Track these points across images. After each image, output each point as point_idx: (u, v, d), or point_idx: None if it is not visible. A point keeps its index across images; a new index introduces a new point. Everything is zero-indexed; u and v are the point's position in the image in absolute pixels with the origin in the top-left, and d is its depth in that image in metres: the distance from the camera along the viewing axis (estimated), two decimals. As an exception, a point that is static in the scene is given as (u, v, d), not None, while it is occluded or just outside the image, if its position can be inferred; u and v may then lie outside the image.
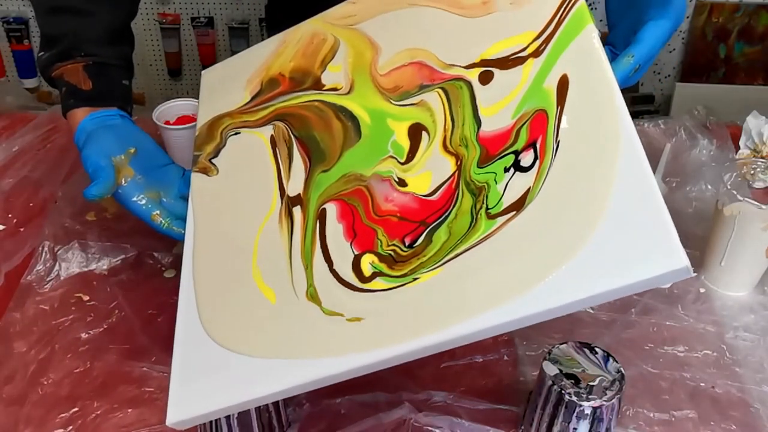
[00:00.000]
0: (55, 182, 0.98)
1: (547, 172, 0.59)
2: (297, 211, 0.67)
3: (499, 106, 0.64)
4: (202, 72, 0.89)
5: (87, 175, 0.75)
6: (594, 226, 0.53)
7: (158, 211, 0.74)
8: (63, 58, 0.79)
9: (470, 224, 0.60)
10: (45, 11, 0.80)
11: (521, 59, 0.65)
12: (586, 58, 0.62)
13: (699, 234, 0.87)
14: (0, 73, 2.23)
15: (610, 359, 0.63)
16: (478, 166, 0.62)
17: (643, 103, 2.07)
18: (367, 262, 0.61)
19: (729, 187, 0.78)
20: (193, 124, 0.92)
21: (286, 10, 1.11)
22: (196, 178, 0.75)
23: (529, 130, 0.61)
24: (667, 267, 0.48)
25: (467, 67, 0.68)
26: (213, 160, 0.76)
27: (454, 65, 0.69)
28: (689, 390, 0.71)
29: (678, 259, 0.48)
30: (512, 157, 0.61)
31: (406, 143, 0.67)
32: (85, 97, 0.78)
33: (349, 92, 0.74)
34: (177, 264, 0.85)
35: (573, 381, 0.62)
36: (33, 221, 0.92)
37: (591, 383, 0.61)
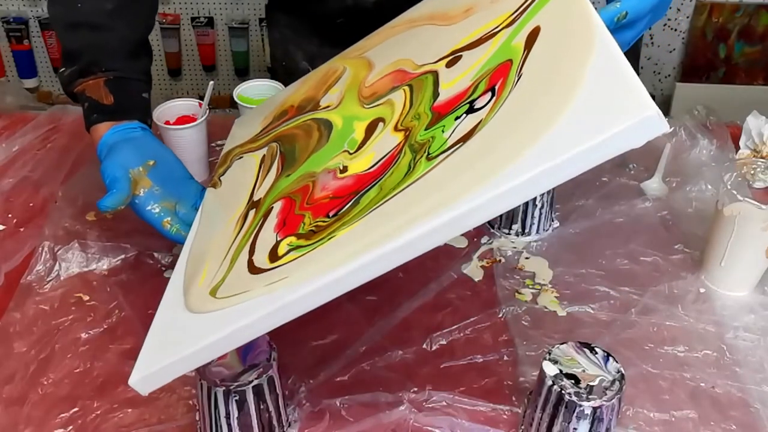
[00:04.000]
0: (55, 182, 0.98)
1: (505, 100, 0.57)
2: (251, 213, 0.70)
3: (460, 77, 0.65)
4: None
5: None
6: (565, 105, 0.52)
7: (169, 218, 0.75)
8: (84, 74, 0.80)
9: (405, 174, 0.59)
10: (64, 27, 0.81)
11: (492, 34, 0.66)
12: (566, 7, 0.61)
13: (699, 234, 0.87)
14: (0, 73, 2.23)
15: (610, 359, 0.63)
16: (425, 129, 0.62)
17: (643, 103, 2.07)
18: (285, 244, 0.62)
19: (729, 187, 0.78)
20: (193, 124, 0.93)
21: (286, 9, 1.12)
22: (209, 190, 0.79)
23: (488, 81, 0.61)
24: (637, 115, 0.48)
25: (436, 62, 0.69)
26: (221, 178, 0.81)
27: (425, 64, 0.71)
28: (689, 390, 0.71)
29: (646, 106, 0.48)
30: (467, 106, 0.60)
31: (361, 137, 0.69)
32: (106, 111, 0.79)
33: (336, 107, 0.76)
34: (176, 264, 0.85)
35: (573, 381, 0.62)
36: (33, 221, 0.92)
37: (591, 383, 0.61)
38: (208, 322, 0.59)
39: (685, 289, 0.82)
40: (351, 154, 0.67)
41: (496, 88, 0.59)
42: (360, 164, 0.65)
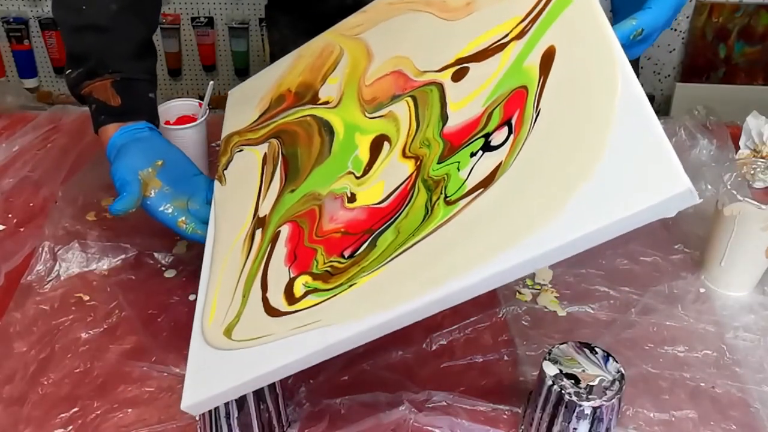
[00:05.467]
0: (55, 182, 0.98)
1: (524, 141, 0.55)
2: (258, 234, 0.69)
3: (470, 97, 0.62)
4: (229, 92, 0.93)
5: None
6: (593, 164, 0.50)
7: (184, 218, 0.75)
8: (91, 75, 0.80)
9: (424, 217, 0.57)
10: (70, 30, 0.81)
11: (502, 46, 0.62)
12: (580, 22, 0.58)
13: (699, 234, 0.87)
14: (0, 73, 2.23)
15: (610, 359, 0.63)
16: (438, 162, 0.60)
17: (643, 103, 2.07)
18: (300, 284, 0.61)
19: (729, 187, 0.78)
20: (193, 123, 0.93)
21: (286, 9, 1.12)
22: (216, 186, 0.79)
23: (503, 110, 0.58)
24: (670, 191, 0.46)
25: (440, 70, 0.67)
26: (225, 172, 0.80)
27: (427, 71, 0.68)
28: (689, 390, 0.71)
29: (680, 181, 0.46)
30: (481, 140, 0.58)
31: (365, 157, 0.67)
32: (114, 113, 0.79)
33: (336, 105, 0.75)
34: (177, 264, 0.85)
35: (573, 381, 0.62)
36: (33, 221, 0.92)
37: (591, 383, 0.61)
38: (237, 359, 0.59)
39: (685, 289, 0.82)
40: (357, 178, 0.66)
41: (513, 123, 0.57)
42: (369, 195, 0.63)
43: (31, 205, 0.95)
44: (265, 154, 0.78)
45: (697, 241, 0.86)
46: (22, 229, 0.91)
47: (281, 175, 0.73)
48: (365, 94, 0.73)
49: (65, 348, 0.75)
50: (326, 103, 0.77)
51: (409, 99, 0.68)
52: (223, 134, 0.86)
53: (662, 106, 2.23)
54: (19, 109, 1.16)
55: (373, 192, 0.63)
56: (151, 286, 0.82)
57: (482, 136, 0.58)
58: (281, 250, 0.65)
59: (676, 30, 2.15)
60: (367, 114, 0.71)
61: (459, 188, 0.56)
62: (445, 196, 0.57)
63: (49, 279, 0.83)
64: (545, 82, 0.57)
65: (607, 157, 0.50)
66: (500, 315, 0.79)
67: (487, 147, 0.57)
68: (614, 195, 0.48)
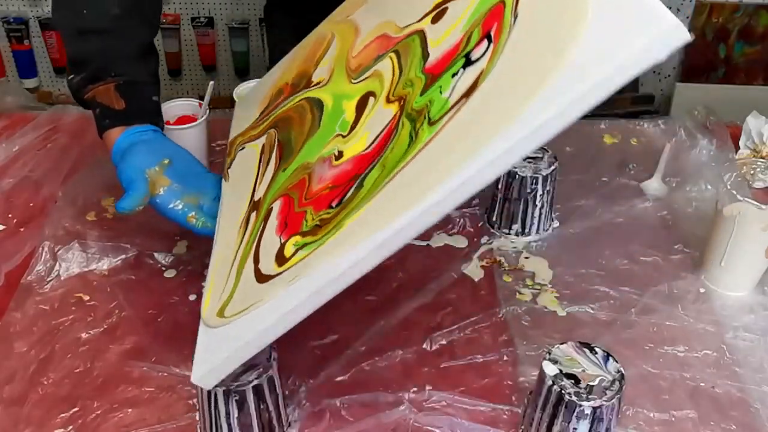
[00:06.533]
0: (56, 182, 0.98)
1: (505, 44, 0.54)
2: (253, 216, 0.69)
3: (450, 29, 0.62)
4: (235, 97, 0.94)
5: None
6: (575, 35, 0.49)
7: (194, 213, 0.75)
8: (94, 80, 0.80)
9: (408, 145, 0.56)
10: (72, 34, 0.81)
11: None
12: None
13: (699, 234, 0.87)
14: (0, 73, 2.23)
15: (610, 359, 0.63)
16: (421, 95, 0.59)
17: (643, 103, 2.08)
18: (291, 245, 0.61)
19: (729, 187, 0.78)
20: (194, 124, 0.93)
21: (284, 10, 1.12)
22: (223, 184, 0.79)
23: (481, 28, 0.57)
24: (660, 28, 0.46)
25: (420, 19, 0.66)
26: (229, 170, 0.81)
27: (408, 25, 0.68)
28: (689, 390, 0.71)
29: (667, 19, 0.46)
30: (462, 60, 0.57)
31: (352, 117, 0.66)
32: (118, 116, 0.79)
33: (327, 83, 0.75)
34: (177, 264, 0.85)
35: (573, 381, 0.62)
36: (33, 221, 0.92)
37: (591, 383, 0.61)
38: (233, 330, 0.60)
39: (685, 289, 0.82)
40: (344, 137, 0.65)
41: (492, 33, 0.56)
42: (356, 147, 0.63)
43: (31, 205, 0.95)
44: (263, 145, 0.78)
45: (697, 241, 0.86)
46: (22, 229, 0.91)
47: (276, 158, 0.74)
48: (352, 65, 0.73)
49: (65, 348, 0.75)
50: (318, 83, 0.77)
51: (393, 54, 0.68)
52: (231, 135, 0.87)
53: (662, 106, 2.23)
54: (19, 109, 1.16)
55: (359, 143, 0.63)
56: (151, 286, 0.82)
57: (463, 56, 0.57)
58: (273, 222, 0.65)
59: (676, 30, 2.15)
60: (353, 81, 0.71)
61: (442, 107, 0.56)
62: (429, 120, 0.56)
63: (49, 279, 0.83)
64: None
65: (588, 23, 0.49)
66: (500, 315, 0.79)
67: (468, 63, 0.56)
68: (607, 47, 0.48)
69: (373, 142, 0.61)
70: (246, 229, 0.69)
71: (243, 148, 0.82)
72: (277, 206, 0.67)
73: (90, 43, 0.80)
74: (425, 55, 0.63)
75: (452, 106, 0.55)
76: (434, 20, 0.65)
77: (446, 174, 0.51)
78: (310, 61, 0.81)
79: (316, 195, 0.63)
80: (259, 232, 0.66)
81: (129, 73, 0.80)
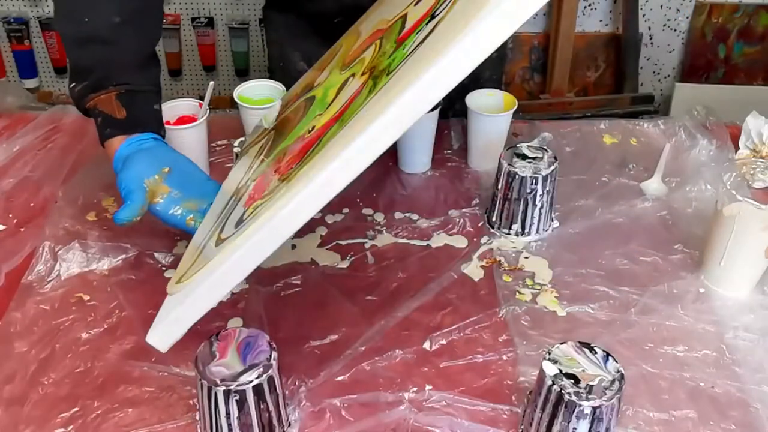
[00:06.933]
0: (56, 182, 0.98)
1: None
2: (231, 201, 0.72)
3: (426, 4, 0.65)
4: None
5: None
6: None
7: (192, 215, 0.76)
8: (96, 89, 0.80)
9: (366, 96, 0.58)
10: (73, 42, 0.81)
11: None
12: None
13: (699, 234, 0.87)
14: (0, 73, 2.23)
15: (610, 359, 0.63)
16: (388, 58, 0.62)
17: (643, 103, 2.08)
18: (250, 209, 0.63)
19: (728, 187, 0.78)
20: (194, 124, 0.93)
21: (282, 10, 1.12)
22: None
23: None
24: None
25: (406, 6, 0.70)
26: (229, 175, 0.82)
27: (396, 15, 0.71)
28: (689, 390, 0.71)
29: None
30: (428, 18, 0.61)
31: (332, 98, 0.69)
32: (120, 125, 0.80)
33: (322, 82, 0.78)
34: (177, 264, 0.85)
35: (573, 381, 0.62)
36: (33, 221, 0.92)
37: (591, 383, 0.61)
38: (185, 291, 0.63)
39: (684, 289, 0.82)
40: (320, 114, 0.68)
41: None
42: (325, 117, 0.65)
43: (32, 205, 0.95)
44: (261, 145, 0.80)
45: (697, 241, 0.87)
46: (22, 229, 0.91)
47: (267, 152, 0.76)
48: (346, 61, 0.76)
49: (65, 348, 0.75)
50: (317, 85, 0.79)
51: (378, 41, 0.71)
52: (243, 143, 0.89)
53: (662, 106, 2.23)
54: (20, 110, 1.16)
55: (329, 114, 0.65)
56: (151, 286, 0.82)
57: (430, 16, 0.61)
58: (243, 199, 0.68)
59: (675, 30, 2.15)
60: (341, 72, 0.73)
61: (401, 59, 0.58)
62: (388, 72, 0.59)
63: (49, 279, 0.83)
64: None
65: None
66: (500, 315, 0.79)
67: (431, 19, 0.60)
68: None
69: (340, 108, 0.64)
70: (219, 216, 0.71)
71: (246, 153, 0.84)
72: (251, 186, 0.70)
73: (91, 51, 0.80)
74: (401, 29, 0.66)
75: (408, 55, 0.58)
76: (416, 2, 0.68)
77: (386, 105, 0.54)
78: (317, 71, 0.84)
79: (283, 166, 0.65)
80: (230, 212, 0.69)
81: (130, 82, 0.81)
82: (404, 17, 0.68)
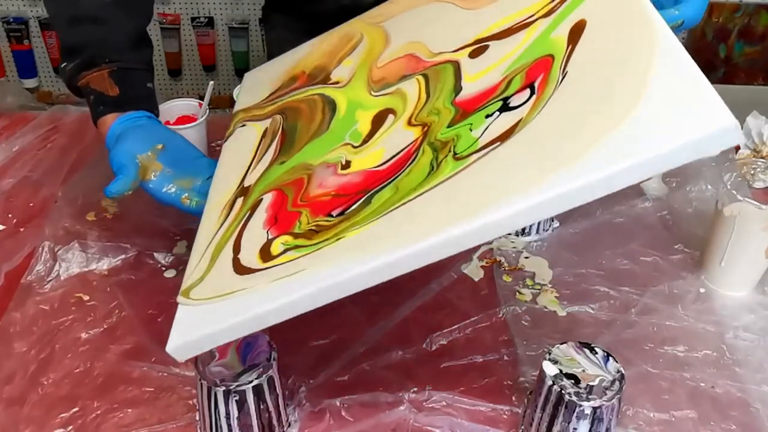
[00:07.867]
0: (55, 182, 0.98)
1: (549, 98, 0.53)
2: (239, 201, 0.68)
3: (489, 69, 0.61)
4: (245, 74, 0.93)
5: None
6: (631, 106, 0.48)
7: (187, 194, 0.75)
8: (88, 66, 0.80)
9: (428, 173, 0.55)
10: (66, 22, 0.81)
11: (527, 24, 0.61)
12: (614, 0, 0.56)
13: (699, 234, 0.87)
14: (0, 73, 2.23)
15: (610, 359, 0.63)
16: (448, 126, 0.58)
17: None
18: (279, 243, 0.60)
19: (729, 187, 0.78)
20: (193, 124, 0.93)
21: (282, 10, 1.12)
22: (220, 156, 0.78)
23: (525, 76, 0.56)
24: (715, 124, 0.45)
25: (457, 50, 0.65)
26: (225, 144, 0.79)
27: (442, 52, 0.67)
28: (689, 390, 0.71)
29: (726, 119, 0.44)
30: (499, 103, 0.56)
31: (366, 129, 0.66)
32: (113, 102, 0.79)
33: (345, 85, 0.74)
34: (177, 264, 0.85)
35: (573, 381, 0.62)
36: (33, 221, 0.92)
37: (591, 383, 0.61)
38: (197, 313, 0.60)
39: (685, 289, 0.82)
40: (355, 147, 0.64)
41: (536, 85, 0.55)
42: (367, 160, 0.61)
43: (31, 205, 0.95)
44: (266, 128, 0.77)
45: (697, 241, 0.86)
46: (22, 229, 0.91)
47: (276, 147, 0.73)
48: (374, 75, 0.72)
49: (65, 348, 0.75)
50: (336, 83, 0.76)
51: (420, 77, 0.67)
52: (234, 112, 0.86)
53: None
54: (19, 109, 1.17)
55: (371, 157, 0.61)
56: (151, 286, 0.82)
57: (500, 100, 0.56)
58: (261, 215, 0.64)
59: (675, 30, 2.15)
60: (373, 93, 0.70)
61: (470, 145, 0.54)
62: (454, 153, 0.55)
63: (49, 279, 0.83)
64: (573, 49, 0.56)
65: (645, 99, 0.48)
66: (500, 315, 0.79)
67: (505, 108, 0.55)
68: (662, 129, 0.46)
69: (388, 161, 0.60)
70: (229, 213, 0.68)
71: (243, 125, 0.81)
72: (268, 199, 0.66)
73: (83, 30, 0.79)
74: (457, 88, 0.62)
75: (482, 147, 0.54)
76: (472, 55, 0.64)
77: (466, 214, 0.50)
78: (333, 57, 0.81)
79: (314, 199, 0.62)
80: (243, 221, 0.65)
81: (123, 59, 0.80)
82: (456, 66, 0.64)
